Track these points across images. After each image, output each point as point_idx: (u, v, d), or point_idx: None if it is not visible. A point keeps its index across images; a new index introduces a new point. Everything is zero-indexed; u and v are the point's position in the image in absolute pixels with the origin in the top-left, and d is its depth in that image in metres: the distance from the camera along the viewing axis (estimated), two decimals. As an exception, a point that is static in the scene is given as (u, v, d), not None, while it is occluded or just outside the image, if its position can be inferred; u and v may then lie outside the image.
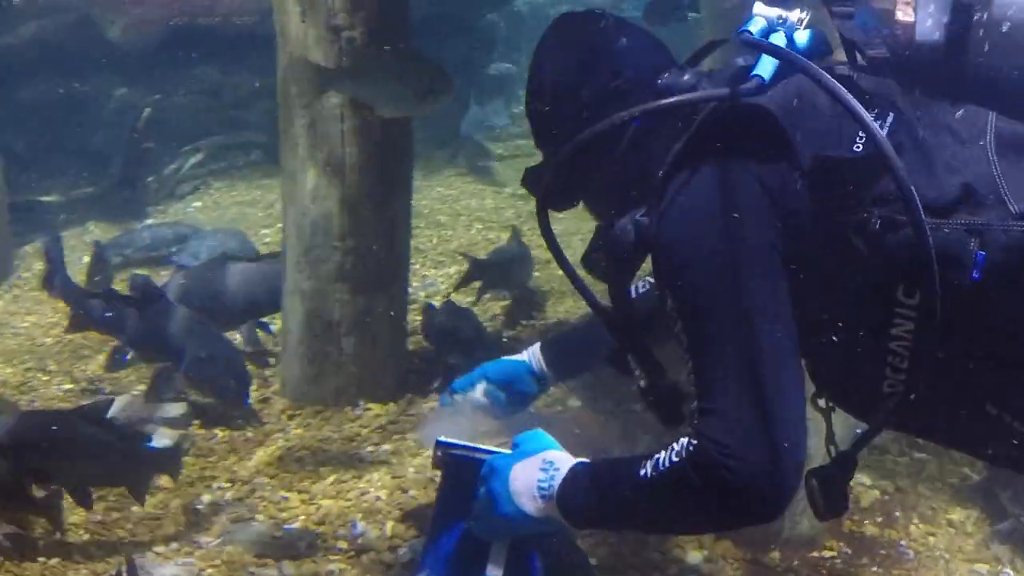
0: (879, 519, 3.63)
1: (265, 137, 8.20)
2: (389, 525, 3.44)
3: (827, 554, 3.39)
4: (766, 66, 2.35)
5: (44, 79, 8.27)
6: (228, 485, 3.73)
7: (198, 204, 8.04)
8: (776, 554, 3.35)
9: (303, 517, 3.52)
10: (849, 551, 3.41)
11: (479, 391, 3.22)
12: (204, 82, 8.65)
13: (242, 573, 3.22)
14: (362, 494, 3.65)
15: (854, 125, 2.25)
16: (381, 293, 4.35)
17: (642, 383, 2.57)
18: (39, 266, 6.65)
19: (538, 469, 2.52)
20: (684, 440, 2.25)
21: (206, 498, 3.65)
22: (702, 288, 2.27)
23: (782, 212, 2.28)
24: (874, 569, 3.37)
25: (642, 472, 2.31)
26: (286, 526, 3.46)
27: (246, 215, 7.53)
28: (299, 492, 3.68)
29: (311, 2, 4.17)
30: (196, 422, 4.20)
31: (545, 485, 2.49)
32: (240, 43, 8.26)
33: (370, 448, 3.99)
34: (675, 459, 2.25)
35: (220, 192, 8.21)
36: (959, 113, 2.36)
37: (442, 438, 2.84)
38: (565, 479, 2.47)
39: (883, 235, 2.23)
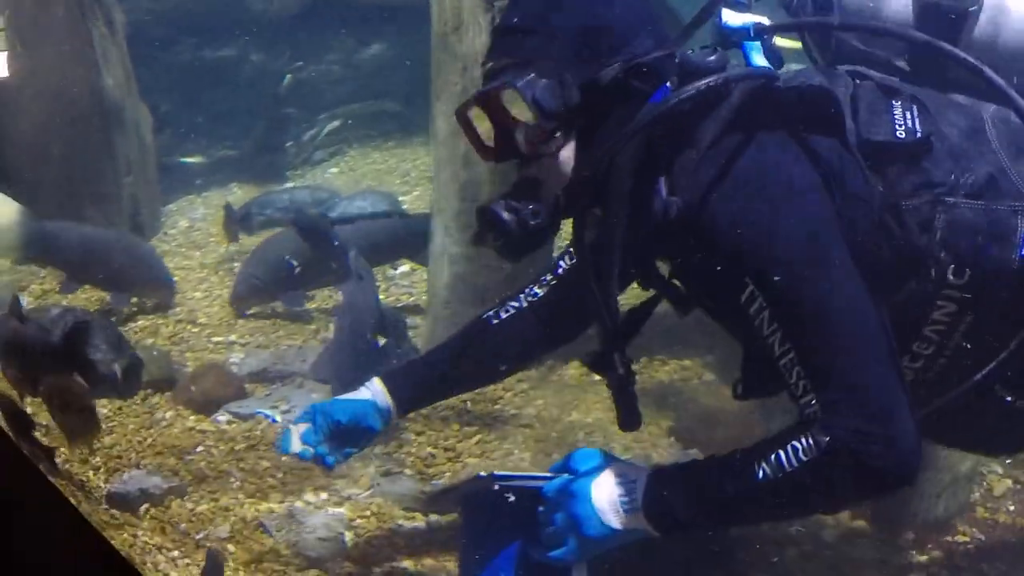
0: (1011, 507, 3.57)
1: (400, 107, 8.31)
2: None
3: (960, 539, 3.34)
4: (759, 59, 2.42)
5: (189, 45, 8.44)
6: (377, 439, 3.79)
7: (334, 170, 8.15)
8: (910, 535, 3.31)
9: (449, 474, 3.57)
10: (982, 537, 3.37)
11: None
12: (342, 51, 8.75)
13: (391, 525, 3.29)
14: (506, 455, 3.69)
15: (887, 114, 2.35)
16: (527, 259, 4.35)
17: (624, 381, 2.63)
18: (184, 223, 6.86)
19: (615, 485, 2.51)
20: (808, 438, 2.28)
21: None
22: (796, 275, 2.26)
23: (839, 192, 2.31)
24: (1006, 556, 3.32)
25: (761, 475, 2.32)
26: (434, 481, 3.51)
27: (383, 182, 7.61)
28: (445, 450, 3.74)
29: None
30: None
31: (627, 499, 2.48)
32: (378, 13, 8.33)
33: (513, 411, 4.02)
34: (806, 456, 2.27)
35: (355, 159, 8.30)
36: (957, 102, 2.45)
37: (498, 472, 2.82)
38: (648, 489, 2.47)
39: (933, 216, 2.29)
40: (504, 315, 3.02)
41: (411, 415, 3.90)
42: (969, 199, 2.31)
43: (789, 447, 2.29)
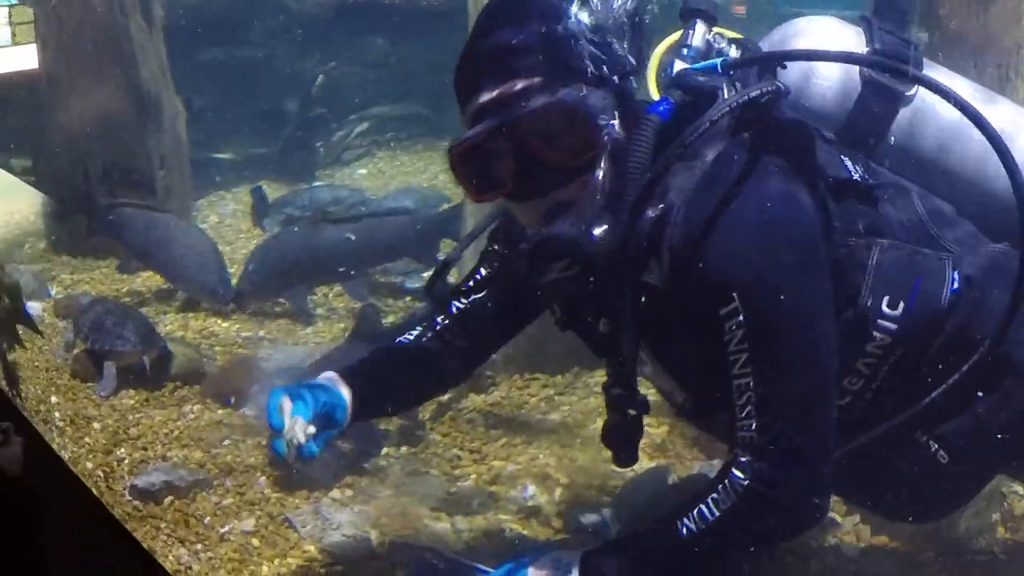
0: (1033, 527, 3.58)
1: (429, 111, 8.34)
2: (558, 491, 3.48)
3: (980, 558, 3.34)
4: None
5: (223, 42, 8.49)
6: (398, 437, 3.82)
7: (363, 171, 8.18)
8: (931, 553, 3.32)
9: (474, 476, 3.58)
10: (1004, 556, 3.37)
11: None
12: (374, 53, 8.78)
13: (416, 524, 3.30)
14: (532, 459, 3.69)
15: (838, 158, 2.42)
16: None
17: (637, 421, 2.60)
18: (214, 218, 6.90)
19: (550, 569, 2.49)
20: (727, 483, 2.32)
21: (383, 450, 3.74)
22: (782, 319, 2.25)
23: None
24: (1026, 575, 3.33)
25: (685, 531, 2.34)
26: (460, 483, 3.53)
27: (411, 185, 7.65)
28: (470, 452, 3.75)
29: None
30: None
31: None
32: (411, 17, 8.37)
33: (538, 416, 4.03)
34: (724, 504, 2.32)
35: (384, 161, 8.33)
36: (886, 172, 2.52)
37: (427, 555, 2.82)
38: (582, 571, 2.44)
39: (870, 254, 2.36)
40: (416, 340, 2.86)
41: (435, 416, 3.95)
42: (904, 243, 2.41)
43: (710, 499, 2.34)
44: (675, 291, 2.30)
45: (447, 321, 2.85)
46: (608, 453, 2.69)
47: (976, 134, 2.27)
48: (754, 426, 2.27)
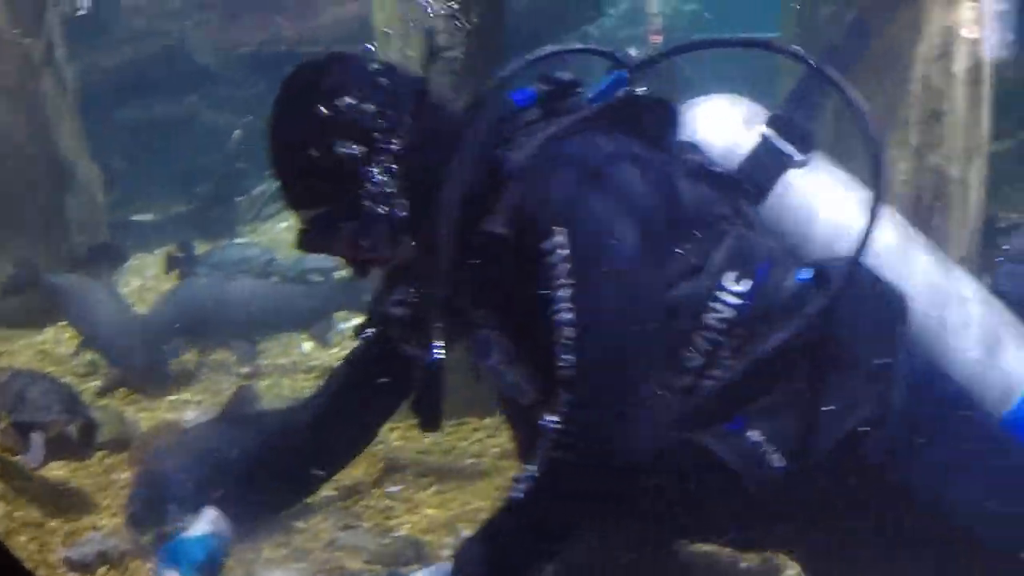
0: None
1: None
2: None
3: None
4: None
5: (139, 101, 8.47)
6: (334, 493, 3.81)
7: (283, 225, 8.16)
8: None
9: (408, 525, 3.59)
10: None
11: None
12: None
13: (352, 579, 3.30)
14: (465, 504, 3.71)
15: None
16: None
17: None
18: (136, 282, 6.85)
19: (430, 569, 2.56)
20: (549, 431, 2.30)
21: (314, 504, 3.71)
22: (602, 258, 2.30)
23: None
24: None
25: (516, 495, 2.35)
26: (393, 533, 3.53)
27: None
28: (403, 501, 3.75)
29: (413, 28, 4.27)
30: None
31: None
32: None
33: (470, 460, 4.06)
34: (548, 456, 2.30)
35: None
36: None
37: None
38: (456, 564, 2.47)
39: (727, 233, 2.44)
40: (306, 419, 2.96)
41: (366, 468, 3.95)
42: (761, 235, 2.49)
43: (533, 464, 2.33)
44: (510, 239, 2.37)
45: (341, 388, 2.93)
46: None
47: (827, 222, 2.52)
48: (569, 362, 2.27)
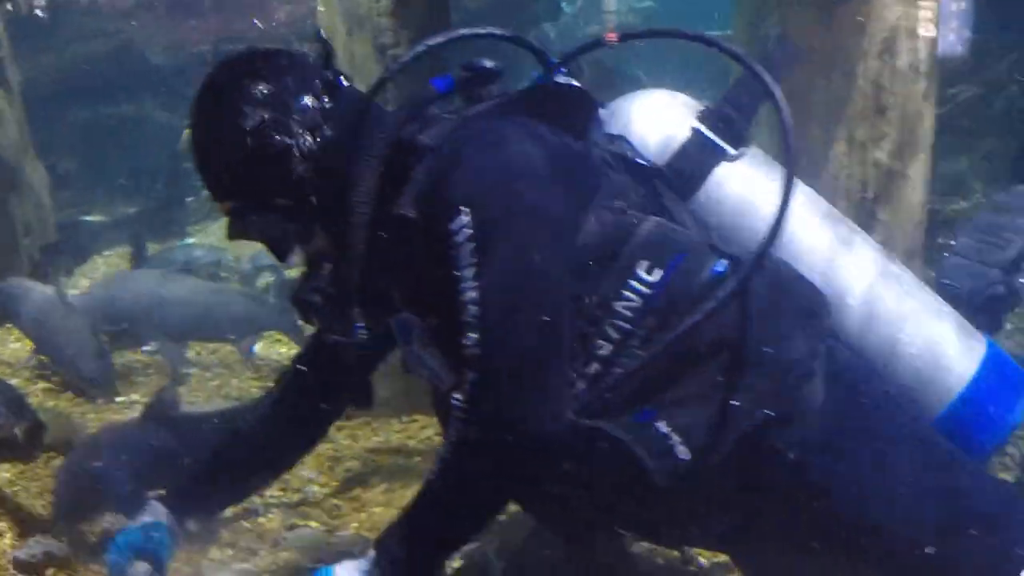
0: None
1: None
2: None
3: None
4: None
5: (89, 100, 8.41)
6: (281, 492, 3.80)
7: (235, 224, 8.14)
8: None
9: (355, 524, 3.58)
10: None
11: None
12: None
13: (298, 579, 3.29)
14: (413, 502, 3.69)
15: (628, 144, 2.58)
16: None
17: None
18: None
19: (353, 560, 2.49)
20: (456, 411, 2.28)
21: (260, 503, 3.70)
22: (506, 236, 2.28)
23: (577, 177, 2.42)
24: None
25: (430, 476, 2.34)
26: (340, 532, 3.52)
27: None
28: (350, 500, 3.74)
29: (358, 21, 4.27)
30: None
31: (365, 566, 2.46)
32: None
33: (418, 459, 4.05)
34: (455, 437, 2.28)
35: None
36: None
37: None
38: (376, 543, 2.45)
39: (641, 223, 2.40)
40: (255, 419, 3.01)
41: (313, 467, 3.94)
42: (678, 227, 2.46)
43: (446, 440, 2.33)
44: (418, 221, 2.38)
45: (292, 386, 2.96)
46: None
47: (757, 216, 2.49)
48: (474, 340, 2.25)
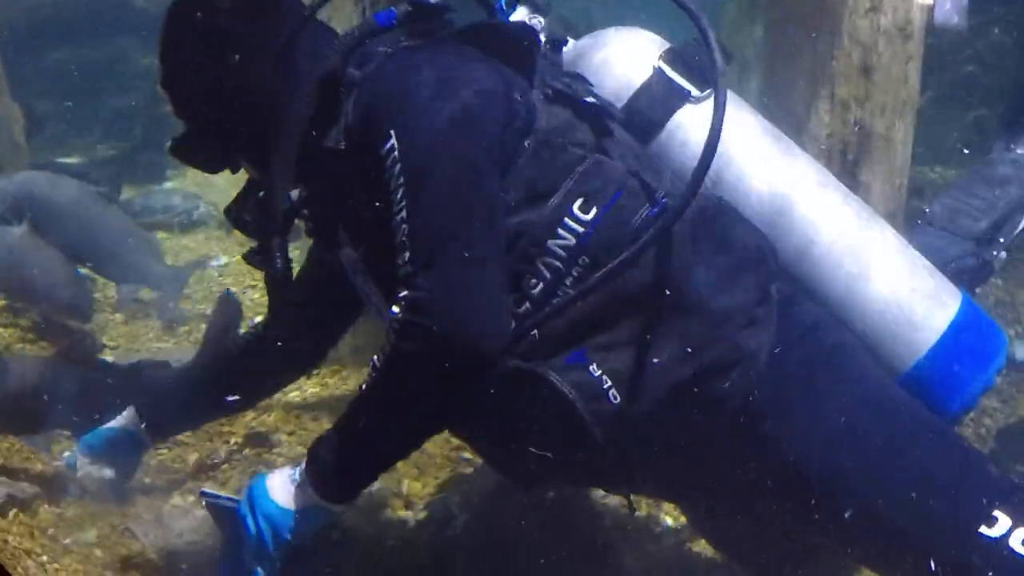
0: None
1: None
2: (406, 483, 3.47)
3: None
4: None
5: (69, 42, 8.32)
6: (244, 440, 3.77)
7: (217, 172, 8.07)
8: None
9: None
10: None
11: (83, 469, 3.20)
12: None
13: (260, 526, 3.25)
14: (377, 452, 3.66)
15: (585, 86, 2.52)
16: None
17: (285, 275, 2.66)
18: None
19: (285, 469, 2.49)
20: (388, 323, 2.28)
21: (223, 452, 3.69)
22: (432, 154, 2.28)
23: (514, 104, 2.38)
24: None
25: (364, 385, 2.34)
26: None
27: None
28: (316, 449, 3.71)
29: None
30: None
31: (294, 474, 2.46)
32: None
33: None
34: (388, 343, 2.27)
35: (237, 157, 8.25)
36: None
37: (205, 490, 2.79)
38: (308, 452, 2.45)
39: (582, 160, 2.37)
40: (248, 338, 3.14)
41: (279, 416, 3.91)
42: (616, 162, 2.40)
43: (380, 347, 2.31)
44: (349, 152, 2.39)
45: (283, 307, 2.94)
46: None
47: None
48: (407, 257, 2.24)
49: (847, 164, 4.24)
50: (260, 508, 2.46)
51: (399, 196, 2.26)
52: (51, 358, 3.86)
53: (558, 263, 2.32)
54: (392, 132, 2.27)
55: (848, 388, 2.44)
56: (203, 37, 2.57)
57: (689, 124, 2.54)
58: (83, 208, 5.32)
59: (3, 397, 3.58)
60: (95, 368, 3.75)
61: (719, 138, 2.27)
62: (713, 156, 2.26)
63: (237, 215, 2.71)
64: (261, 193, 2.69)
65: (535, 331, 2.31)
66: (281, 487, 2.45)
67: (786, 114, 4.22)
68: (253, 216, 2.70)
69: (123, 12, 8.46)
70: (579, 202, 2.32)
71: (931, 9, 4.15)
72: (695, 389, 2.33)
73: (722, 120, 2.29)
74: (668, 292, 2.32)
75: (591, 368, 2.31)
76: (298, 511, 2.43)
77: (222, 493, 2.66)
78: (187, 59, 2.60)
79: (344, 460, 2.39)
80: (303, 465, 2.43)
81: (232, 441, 3.75)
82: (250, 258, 2.76)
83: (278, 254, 2.60)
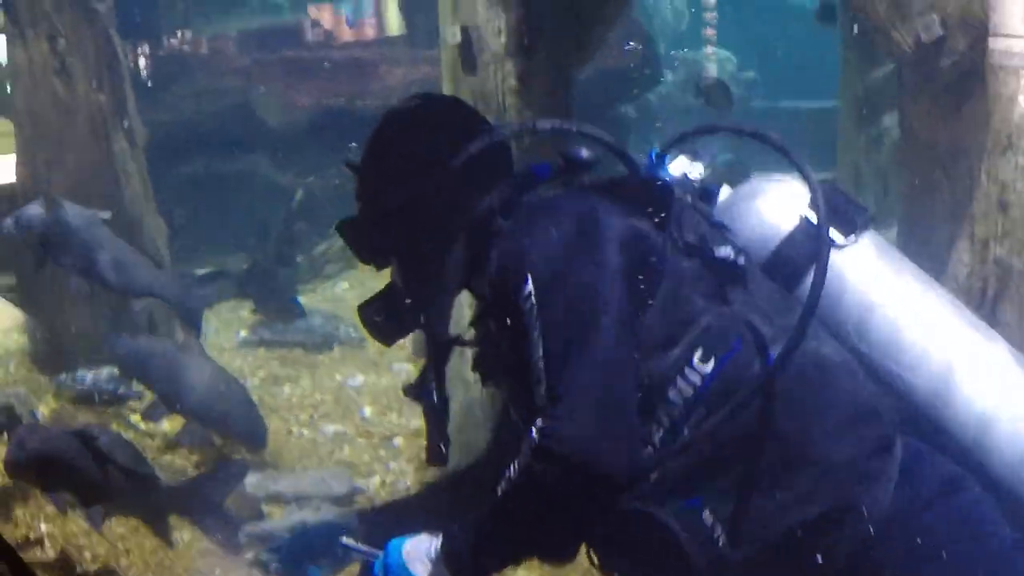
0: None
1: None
2: None
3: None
4: None
5: (201, 157, 8.59)
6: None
7: (344, 284, 8.24)
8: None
9: None
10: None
11: None
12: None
13: None
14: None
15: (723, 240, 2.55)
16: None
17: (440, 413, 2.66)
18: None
19: (424, 538, 2.50)
20: (525, 444, 2.31)
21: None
22: (567, 298, 2.33)
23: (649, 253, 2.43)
24: None
25: (499, 491, 2.37)
26: None
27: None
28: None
29: (484, 97, 4.36)
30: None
31: (432, 551, 2.47)
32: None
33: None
34: (523, 461, 2.31)
35: (365, 272, 8.38)
36: None
37: (344, 540, 2.76)
38: (445, 534, 2.47)
39: (706, 312, 2.41)
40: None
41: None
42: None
43: (515, 461, 2.35)
44: (494, 297, 2.46)
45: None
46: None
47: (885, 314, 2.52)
48: (544, 391, 2.30)
49: (987, 302, 4.24)
50: (394, 573, 2.51)
51: (535, 335, 2.32)
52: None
53: (677, 412, 2.38)
54: (528, 277, 2.35)
55: (969, 553, 2.41)
56: (415, 141, 2.61)
57: (833, 270, 2.52)
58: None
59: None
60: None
61: (819, 296, 2.34)
62: (812, 314, 2.32)
63: (368, 315, 2.73)
64: (408, 300, 2.70)
65: (654, 474, 2.36)
66: (417, 559, 2.49)
67: (923, 249, 4.25)
68: (383, 318, 2.72)
69: (255, 129, 8.73)
70: (699, 353, 2.38)
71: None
72: (806, 539, 2.35)
73: (823, 279, 2.36)
74: (777, 442, 2.36)
75: (704, 513, 2.37)
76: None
77: (362, 545, 2.70)
78: (392, 152, 2.63)
79: (476, 554, 2.43)
80: (439, 540, 2.47)
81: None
82: (408, 391, 2.79)
83: (434, 386, 2.64)
